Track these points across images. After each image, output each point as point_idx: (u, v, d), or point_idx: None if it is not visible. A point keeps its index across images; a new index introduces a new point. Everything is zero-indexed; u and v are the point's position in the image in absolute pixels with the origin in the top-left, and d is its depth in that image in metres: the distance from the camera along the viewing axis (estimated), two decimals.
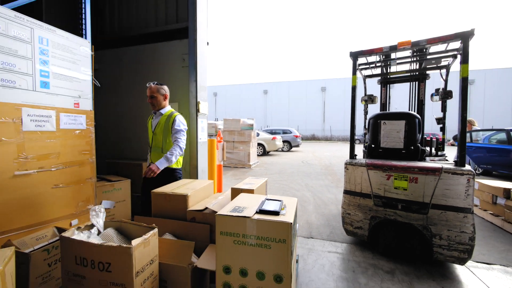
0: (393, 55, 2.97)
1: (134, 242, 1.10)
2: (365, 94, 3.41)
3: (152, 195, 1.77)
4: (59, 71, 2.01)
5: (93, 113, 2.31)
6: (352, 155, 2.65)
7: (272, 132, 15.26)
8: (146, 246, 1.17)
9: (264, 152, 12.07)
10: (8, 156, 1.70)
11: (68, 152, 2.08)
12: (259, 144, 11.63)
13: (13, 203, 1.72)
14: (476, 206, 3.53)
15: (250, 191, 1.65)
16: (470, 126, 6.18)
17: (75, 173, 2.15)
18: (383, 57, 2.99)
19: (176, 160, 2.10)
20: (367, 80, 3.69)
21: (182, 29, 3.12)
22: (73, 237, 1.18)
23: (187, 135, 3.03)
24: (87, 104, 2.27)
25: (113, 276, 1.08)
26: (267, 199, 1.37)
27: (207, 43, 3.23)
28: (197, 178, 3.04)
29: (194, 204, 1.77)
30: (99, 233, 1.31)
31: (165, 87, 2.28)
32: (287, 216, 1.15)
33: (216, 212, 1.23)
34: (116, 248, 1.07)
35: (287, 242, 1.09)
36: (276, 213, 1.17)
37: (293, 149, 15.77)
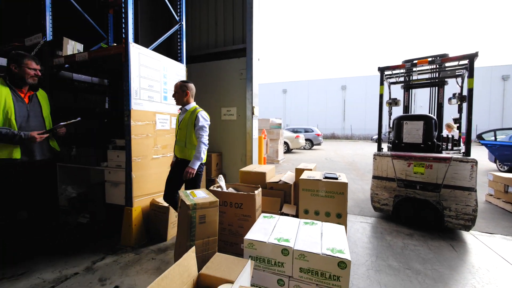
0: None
1: (255, 191, 1.93)
2: (390, 98, 4.04)
3: (240, 172, 2.62)
4: (171, 88, 2.93)
5: None
6: (379, 148, 3.34)
7: (294, 131, 15.86)
8: (258, 196, 2.00)
9: (288, 150, 12.78)
10: (150, 146, 2.64)
11: (172, 144, 3.00)
12: (283, 142, 12.37)
13: (152, 176, 2.66)
14: (491, 195, 4.03)
15: (309, 169, 2.43)
16: (450, 129, 6.18)
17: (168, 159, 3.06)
18: (406, 69, 3.62)
19: (205, 155, 2.19)
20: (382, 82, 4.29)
21: (239, 50, 3.97)
22: (216, 188, 2.04)
23: (244, 132, 3.90)
24: None
25: (243, 211, 1.92)
26: (326, 172, 2.15)
27: (258, 59, 4.05)
28: (249, 164, 3.89)
29: (269, 179, 2.59)
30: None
31: (189, 85, 2.30)
32: (343, 180, 1.92)
33: (288, 183, 2.01)
34: (246, 195, 1.90)
35: (344, 194, 1.86)
36: (335, 178, 1.95)
37: (314, 147, 16.28)
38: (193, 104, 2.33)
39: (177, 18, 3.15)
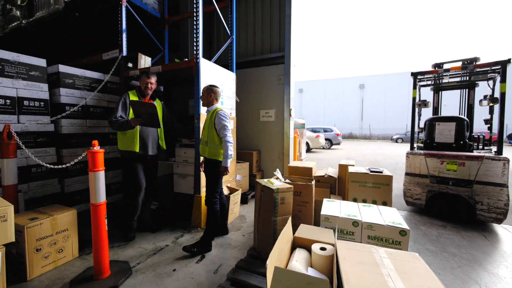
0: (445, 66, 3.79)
1: (311, 182, 2.32)
2: (420, 100, 4.26)
3: (289, 167, 3.02)
4: (227, 94, 3.40)
5: (235, 119, 3.68)
6: (412, 147, 3.61)
7: (314, 131, 16.04)
8: (314, 187, 2.39)
9: (308, 149, 13.03)
10: None
11: None
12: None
13: None
14: None
15: (352, 165, 2.78)
16: None
17: None
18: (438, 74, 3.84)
19: (232, 152, 2.26)
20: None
21: (276, 57, 4.37)
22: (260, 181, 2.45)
23: (282, 132, 4.30)
24: (233, 113, 3.64)
25: (302, 198, 2.31)
26: (370, 167, 2.49)
27: (294, 65, 4.43)
28: (288, 162, 4.28)
29: (314, 173, 2.97)
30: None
31: (214, 89, 2.38)
32: (388, 173, 2.27)
33: (333, 176, 2.38)
34: (305, 185, 2.30)
35: (390, 185, 2.21)
36: (381, 172, 2.29)
37: (333, 146, 16.37)
38: (215, 106, 2.41)
39: (229, 33, 3.61)
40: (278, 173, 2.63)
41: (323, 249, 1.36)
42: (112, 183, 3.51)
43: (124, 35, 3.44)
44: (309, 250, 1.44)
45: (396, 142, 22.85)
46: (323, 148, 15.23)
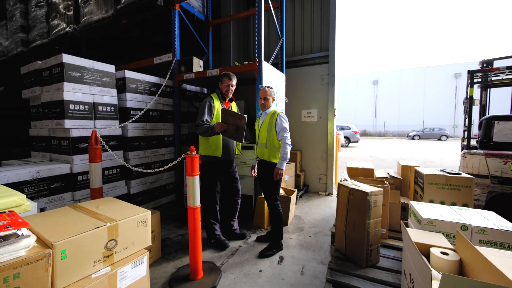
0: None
1: (386, 184, 2.32)
2: (467, 98, 4.15)
3: (348, 169, 3.02)
4: (279, 95, 3.42)
5: None
6: (469, 147, 3.53)
7: None
8: (388, 188, 2.38)
9: None
10: None
11: None
12: None
13: None
14: None
15: (417, 166, 2.76)
16: None
17: None
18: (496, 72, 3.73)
19: (289, 155, 2.26)
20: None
21: (318, 57, 4.35)
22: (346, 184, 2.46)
23: (324, 131, 4.29)
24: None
25: None
26: (442, 169, 2.46)
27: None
28: (332, 162, 4.28)
29: (375, 174, 2.96)
30: None
31: (274, 91, 2.43)
32: (467, 175, 2.24)
33: (398, 177, 2.37)
34: (382, 187, 2.30)
35: (471, 187, 2.18)
36: (459, 173, 2.26)
37: (351, 144, 16.18)
38: (272, 107, 2.41)
39: (280, 34, 3.62)
40: (345, 174, 2.64)
41: (444, 253, 1.36)
42: (167, 183, 3.61)
43: (177, 40, 3.51)
44: (424, 254, 1.44)
45: (413, 139, 22.34)
46: (342, 146, 15.06)
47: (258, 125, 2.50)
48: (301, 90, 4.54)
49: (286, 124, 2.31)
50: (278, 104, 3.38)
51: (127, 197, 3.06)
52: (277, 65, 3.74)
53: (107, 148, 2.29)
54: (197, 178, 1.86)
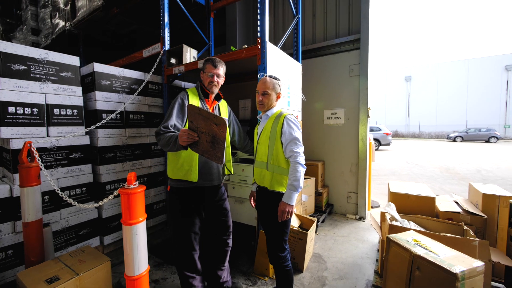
0: None
1: (474, 239, 1.37)
2: None
3: (393, 195, 2.07)
4: (293, 90, 2.57)
5: (302, 123, 2.83)
6: None
7: None
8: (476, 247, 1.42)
9: None
10: None
11: None
12: None
13: None
14: None
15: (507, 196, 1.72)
16: None
17: None
18: None
19: (303, 182, 1.47)
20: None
21: (348, 42, 3.39)
22: (394, 223, 1.54)
23: (355, 137, 3.33)
24: (300, 116, 2.80)
25: None
26: None
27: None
28: (365, 177, 3.29)
29: (438, 205, 1.97)
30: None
31: (280, 83, 1.63)
32: None
33: (480, 215, 1.37)
34: (462, 239, 1.35)
35: None
36: None
37: (382, 147, 14.55)
38: (277, 108, 1.63)
39: (294, 11, 2.76)
40: (391, 208, 1.71)
41: None
42: (154, 202, 2.95)
43: (166, 25, 2.83)
44: None
45: (454, 141, 19.70)
46: None
47: (257, 133, 1.70)
48: (323, 84, 3.62)
49: (298, 133, 1.50)
50: (292, 102, 2.53)
51: (98, 223, 2.43)
52: (292, 55, 2.89)
53: (42, 167, 1.63)
54: (140, 227, 1.10)
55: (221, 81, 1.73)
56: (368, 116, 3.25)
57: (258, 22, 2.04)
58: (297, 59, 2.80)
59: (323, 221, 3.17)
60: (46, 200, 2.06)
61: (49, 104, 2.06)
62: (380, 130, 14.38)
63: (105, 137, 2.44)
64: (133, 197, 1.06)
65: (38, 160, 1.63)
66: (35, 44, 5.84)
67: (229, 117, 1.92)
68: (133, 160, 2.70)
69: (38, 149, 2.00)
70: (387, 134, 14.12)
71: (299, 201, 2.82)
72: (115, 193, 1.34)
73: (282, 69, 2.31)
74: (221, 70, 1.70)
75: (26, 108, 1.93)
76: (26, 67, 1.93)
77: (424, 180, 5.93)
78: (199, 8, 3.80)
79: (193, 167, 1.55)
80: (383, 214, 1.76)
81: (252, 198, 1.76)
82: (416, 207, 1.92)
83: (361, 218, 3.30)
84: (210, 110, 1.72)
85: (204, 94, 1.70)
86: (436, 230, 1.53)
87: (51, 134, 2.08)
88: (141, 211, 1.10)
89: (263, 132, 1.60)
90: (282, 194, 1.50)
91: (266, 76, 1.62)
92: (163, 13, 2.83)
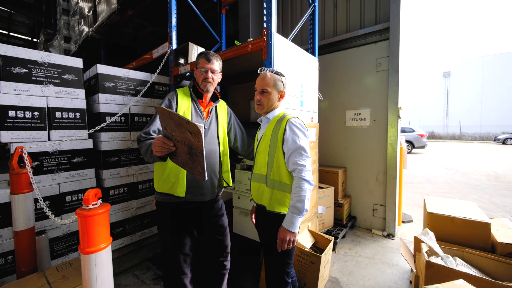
0: None
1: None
2: None
3: (430, 216, 1.66)
4: (308, 89, 2.26)
5: (318, 125, 2.50)
6: None
7: None
8: None
9: None
10: None
11: None
12: None
13: None
14: None
15: None
16: None
17: None
18: None
19: (309, 203, 1.18)
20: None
21: (374, 33, 2.97)
22: (435, 260, 1.17)
23: (382, 141, 2.89)
24: (316, 117, 2.47)
25: None
26: None
27: None
28: (395, 186, 2.84)
29: (494, 233, 1.52)
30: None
31: (284, 80, 1.36)
32: None
33: None
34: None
35: None
36: None
37: (415, 150, 13.31)
38: (280, 110, 1.37)
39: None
40: (430, 237, 1.33)
41: None
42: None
43: (173, 23, 2.69)
44: None
45: (504, 143, 17.33)
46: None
47: (257, 140, 1.45)
48: (345, 82, 3.23)
49: (304, 141, 1.23)
50: (306, 102, 2.22)
51: None
52: (308, 50, 2.58)
53: (31, 175, 1.55)
54: (101, 256, 0.91)
55: (217, 78, 1.51)
56: (398, 117, 2.80)
57: (264, 10, 1.77)
58: (313, 53, 2.48)
59: (343, 237, 2.79)
60: (47, 205, 2.02)
61: (50, 108, 2.01)
62: (413, 131, 13.15)
63: (109, 141, 2.37)
64: (91, 220, 0.87)
65: (28, 166, 1.55)
66: (67, 51, 6.21)
67: (229, 121, 1.68)
68: (139, 164, 2.61)
69: (39, 154, 1.97)
70: (422, 135, 12.84)
71: (315, 213, 2.49)
72: (73, 217, 1.12)
73: (294, 64, 2.02)
74: (216, 64, 1.47)
75: (26, 112, 1.90)
76: (27, 70, 1.90)
77: (468, 191, 5.12)
78: (211, 6, 3.65)
79: (180, 179, 1.34)
80: (417, 242, 1.39)
81: (254, 214, 1.51)
82: (462, 235, 1.50)
83: (390, 236, 2.84)
84: (205, 113, 1.50)
85: (197, 94, 1.48)
86: (496, 272, 1.13)
87: (53, 138, 2.04)
88: (103, 236, 0.91)
89: (262, 139, 1.34)
90: (283, 216, 1.22)
91: (266, 71, 1.35)
92: (170, 11, 2.70)
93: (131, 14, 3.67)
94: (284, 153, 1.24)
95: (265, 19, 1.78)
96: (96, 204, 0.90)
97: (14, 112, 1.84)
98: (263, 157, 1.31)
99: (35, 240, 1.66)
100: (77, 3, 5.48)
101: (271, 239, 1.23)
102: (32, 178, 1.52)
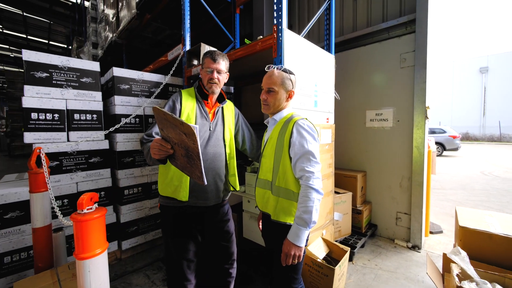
0: None
1: None
2: None
3: (463, 230, 1.45)
4: (323, 88, 2.13)
5: (334, 127, 2.35)
6: None
7: None
8: None
9: None
10: None
11: (322, 166, 2.18)
12: None
13: None
14: None
15: None
16: None
17: (325, 186, 2.22)
18: None
19: (318, 215, 1.07)
20: None
21: (397, 26, 2.73)
22: (468, 285, 0.99)
23: (407, 143, 2.65)
24: (332, 118, 2.32)
25: None
26: None
27: None
28: (421, 193, 2.58)
29: None
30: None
31: (293, 78, 1.26)
32: None
33: None
34: None
35: None
36: None
37: (447, 153, 12.29)
38: (288, 110, 1.28)
39: None
40: (461, 258, 1.15)
41: None
42: None
43: (187, 24, 2.70)
44: None
45: None
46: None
47: (263, 142, 1.36)
48: (366, 79, 3.01)
49: (313, 145, 1.12)
50: (320, 102, 2.09)
51: (116, 227, 2.43)
52: (324, 47, 2.44)
53: (46, 174, 1.60)
54: (97, 262, 0.88)
55: (223, 78, 1.45)
56: (426, 117, 2.54)
57: (274, 5, 1.68)
58: (329, 50, 2.33)
59: (362, 246, 2.60)
60: (65, 203, 2.11)
61: (69, 110, 2.10)
62: (444, 132, 12.18)
63: (124, 142, 2.42)
64: (85, 225, 0.85)
65: (44, 166, 1.61)
66: (95, 57, 6.59)
67: (236, 122, 1.62)
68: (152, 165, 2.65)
69: (59, 154, 2.06)
70: (454, 137, 11.84)
71: (330, 220, 2.34)
72: (70, 223, 1.12)
73: (307, 62, 1.90)
74: (222, 64, 1.41)
75: (47, 114, 1.99)
76: (48, 74, 2.00)
77: (509, 199, 4.57)
78: (226, 6, 3.63)
79: (182, 183, 1.29)
80: (447, 260, 1.21)
81: (260, 221, 1.42)
82: (503, 255, 1.28)
83: (415, 248, 2.59)
84: (211, 114, 1.45)
85: (202, 95, 1.44)
86: None
87: (71, 139, 2.13)
88: (98, 241, 0.89)
89: (268, 142, 1.26)
90: (289, 227, 1.11)
91: (273, 68, 1.26)
92: (184, 12, 2.71)
93: (149, 18, 3.78)
94: (290, 158, 1.14)
95: (275, 15, 1.69)
96: (91, 208, 0.88)
97: (36, 114, 1.94)
98: (268, 162, 1.22)
99: (52, 237, 1.73)
100: (103, 10, 5.79)
101: (276, 252, 1.14)
102: (47, 178, 1.58)
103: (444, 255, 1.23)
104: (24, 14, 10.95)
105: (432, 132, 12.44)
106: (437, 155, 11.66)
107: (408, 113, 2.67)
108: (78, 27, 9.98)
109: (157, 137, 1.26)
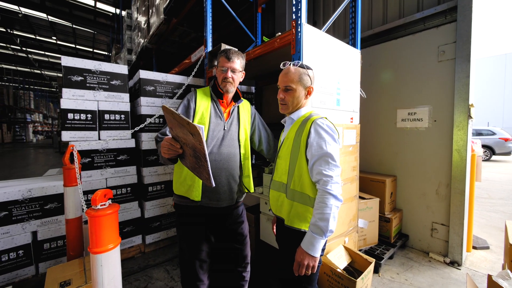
0: None
1: None
2: None
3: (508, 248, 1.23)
4: (346, 85, 2.00)
5: (359, 127, 2.19)
6: None
7: None
8: None
9: None
10: None
11: (345, 169, 2.04)
12: None
13: None
14: None
15: None
16: None
17: (348, 190, 2.08)
18: None
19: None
20: None
21: (435, 15, 2.46)
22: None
23: (446, 146, 2.37)
24: (357, 118, 2.17)
25: None
26: None
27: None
28: (463, 204, 2.28)
29: None
30: None
31: (312, 74, 1.18)
32: None
33: None
34: None
35: None
36: None
37: (496, 157, 10.91)
38: (306, 109, 1.20)
39: None
40: (511, 283, 0.97)
41: None
42: None
43: (209, 26, 2.75)
44: None
45: None
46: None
47: (280, 142, 1.30)
48: (397, 75, 2.77)
49: (333, 147, 1.03)
50: (343, 101, 1.96)
51: (140, 222, 2.56)
52: (349, 42, 2.29)
53: (77, 170, 1.73)
54: (109, 256, 0.91)
55: (238, 77, 1.42)
56: (469, 116, 2.24)
57: (293, 0, 1.61)
58: (354, 45, 2.18)
59: (390, 257, 2.38)
60: None
61: (100, 110, 2.26)
62: (493, 134, 10.81)
63: (148, 140, 2.54)
64: (98, 220, 0.88)
65: (76, 162, 1.74)
66: (129, 62, 7.09)
67: (252, 122, 1.58)
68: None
69: (91, 151, 2.23)
70: (506, 139, 10.44)
71: (354, 227, 2.18)
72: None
73: (328, 58, 1.79)
74: (237, 63, 1.38)
75: (82, 114, 2.17)
76: (82, 78, 2.17)
77: None
78: (248, 7, 3.63)
79: (195, 182, 1.29)
80: (493, 284, 1.03)
81: (274, 225, 1.37)
82: None
83: (454, 264, 2.30)
84: (226, 113, 1.43)
85: (217, 94, 1.42)
86: None
87: (102, 138, 2.28)
88: (111, 237, 0.92)
89: (284, 142, 1.19)
90: (303, 234, 1.04)
91: (289, 65, 1.19)
92: (206, 14, 2.76)
93: (176, 22, 3.93)
94: (307, 160, 1.07)
95: (293, 9, 1.62)
96: (104, 205, 0.91)
97: (72, 114, 2.12)
98: (284, 163, 1.16)
99: (82, 228, 1.86)
100: (137, 18, 6.20)
101: (288, 260, 1.07)
102: (78, 173, 1.71)
103: (489, 277, 1.05)
104: (73, 26, 12.24)
105: (479, 133, 11.12)
106: (484, 160, 10.36)
107: (447, 112, 2.38)
108: (117, 35, 10.88)
109: (169, 135, 1.28)
